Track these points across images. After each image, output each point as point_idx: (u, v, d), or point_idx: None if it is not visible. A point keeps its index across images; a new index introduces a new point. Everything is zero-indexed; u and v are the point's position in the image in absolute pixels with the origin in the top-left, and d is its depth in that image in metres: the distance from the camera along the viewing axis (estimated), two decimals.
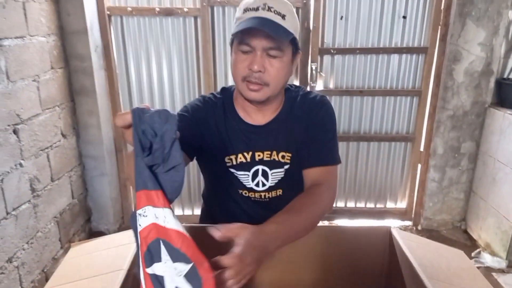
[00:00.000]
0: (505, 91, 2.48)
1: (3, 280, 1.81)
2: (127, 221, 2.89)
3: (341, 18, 2.54)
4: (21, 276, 1.95)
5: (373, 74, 2.65)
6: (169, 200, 0.67)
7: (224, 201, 1.18)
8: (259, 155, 1.10)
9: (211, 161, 1.13)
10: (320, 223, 1.02)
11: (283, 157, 1.11)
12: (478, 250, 2.50)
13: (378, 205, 2.96)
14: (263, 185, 1.12)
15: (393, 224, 2.90)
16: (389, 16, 2.53)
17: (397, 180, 2.88)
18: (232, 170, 1.11)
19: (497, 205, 2.43)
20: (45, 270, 2.17)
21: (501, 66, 2.52)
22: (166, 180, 0.66)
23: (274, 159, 1.10)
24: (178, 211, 2.94)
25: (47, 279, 2.17)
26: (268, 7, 0.98)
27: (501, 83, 2.49)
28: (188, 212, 2.95)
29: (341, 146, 2.73)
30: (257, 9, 0.98)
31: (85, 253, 1.04)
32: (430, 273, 0.86)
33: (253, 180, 1.11)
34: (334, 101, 2.70)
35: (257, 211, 1.14)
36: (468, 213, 2.77)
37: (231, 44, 1.07)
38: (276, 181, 1.12)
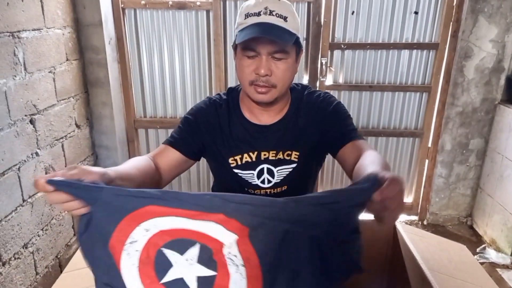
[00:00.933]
0: None
1: (19, 265, 1.88)
2: None
3: (353, 13, 2.55)
4: (36, 261, 2.02)
5: (383, 70, 2.66)
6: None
7: None
8: (264, 155, 1.13)
9: (216, 162, 1.17)
10: None
11: (289, 155, 1.13)
12: (483, 245, 2.52)
13: None
14: (269, 182, 1.15)
15: (400, 221, 2.92)
16: (400, 12, 2.53)
17: (404, 175, 2.90)
18: (237, 171, 1.14)
19: (503, 202, 2.44)
20: (58, 256, 2.24)
21: None
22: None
23: (280, 158, 1.13)
24: None
25: (60, 265, 2.25)
26: (270, 11, 0.99)
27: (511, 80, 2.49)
28: None
29: None
30: (258, 14, 0.99)
31: None
32: (431, 266, 0.90)
33: (258, 177, 1.14)
34: (343, 95, 2.71)
35: None
36: (474, 209, 2.78)
37: (234, 48, 1.09)
38: (281, 177, 1.14)
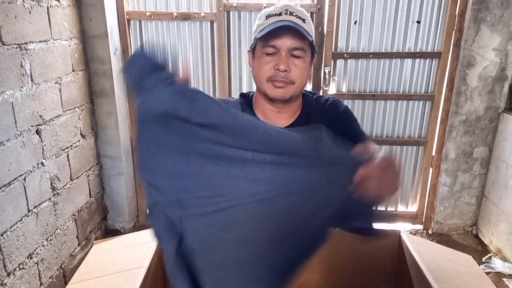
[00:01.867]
0: None
1: (24, 275, 1.89)
2: (142, 220, 2.97)
3: (355, 22, 2.57)
4: (40, 271, 2.02)
5: (386, 78, 2.67)
6: None
7: None
8: None
9: None
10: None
11: None
12: (489, 255, 2.50)
13: (389, 208, 2.97)
14: None
15: (404, 227, 2.91)
16: (403, 21, 2.55)
17: (408, 183, 2.89)
18: None
19: (509, 211, 2.43)
20: (62, 267, 2.25)
21: None
22: None
23: None
24: None
25: (64, 275, 2.25)
26: (290, 12, 1.06)
27: None
28: None
29: None
30: (280, 14, 1.06)
31: (107, 251, 1.10)
32: (437, 276, 0.89)
33: None
34: (346, 104, 2.71)
35: None
36: (479, 218, 2.77)
37: (253, 49, 1.12)
38: None
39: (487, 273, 2.29)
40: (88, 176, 2.52)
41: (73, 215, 2.35)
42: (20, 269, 1.85)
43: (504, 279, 2.28)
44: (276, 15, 1.06)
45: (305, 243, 0.82)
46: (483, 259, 2.46)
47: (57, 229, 2.18)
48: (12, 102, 1.79)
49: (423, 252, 1.03)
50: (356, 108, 2.74)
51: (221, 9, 2.50)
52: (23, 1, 1.86)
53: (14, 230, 1.81)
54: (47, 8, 2.05)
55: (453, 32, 2.52)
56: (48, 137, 2.07)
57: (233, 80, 2.70)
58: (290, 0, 2.52)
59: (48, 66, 2.06)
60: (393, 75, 2.66)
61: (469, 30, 2.43)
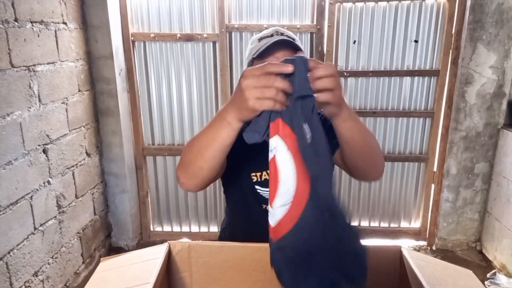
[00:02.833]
0: None
1: None
2: (145, 237, 2.98)
3: (354, 42, 2.63)
4: None
5: (385, 96, 2.72)
6: None
7: (249, 216, 1.23)
8: None
9: (238, 176, 1.18)
10: None
11: None
12: (493, 271, 2.49)
13: (392, 225, 2.97)
14: None
15: (408, 244, 2.91)
16: (401, 40, 2.61)
17: (411, 199, 2.91)
18: (257, 186, 1.17)
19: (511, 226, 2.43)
20: (67, 284, 2.25)
21: None
22: None
23: None
24: (195, 228, 3.01)
25: None
26: (280, 32, 1.14)
27: None
28: (204, 229, 3.02)
29: None
30: (271, 35, 1.13)
31: (114, 267, 1.11)
32: None
33: None
34: None
35: None
36: (483, 233, 2.77)
37: None
38: None
39: None
40: (92, 194, 2.55)
41: (77, 233, 2.37)
42: (26, 287, 1.87)
43: None
44: (268, 37, 1.13)
45: None
46: (488, 275, 2.46)
47: (62, 247, 2.19)
48: (20, 122, 1.84)
49: (424, 267, 1.05)
50: None
51: (223, 30, 2.57)
52: (32, 25, 1.93)
53: (20, 248, 1.83)
54: (55, 31, 2.12)
55: (450, 50, 2.57)
56: (54, 156, 2.11)
57: None
58: (291, 19, 2.59)
59: (55, 87, 2.12)
60: (393, 93, 2.71)
61: (465, 48, 2.48)
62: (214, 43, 2.64)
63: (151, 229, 3.02)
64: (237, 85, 0.81)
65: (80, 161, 2.39)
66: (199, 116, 2.79)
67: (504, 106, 2.55)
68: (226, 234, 1.36)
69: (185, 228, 3.02)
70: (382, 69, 2.66)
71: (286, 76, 0.75)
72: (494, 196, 2.63)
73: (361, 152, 1.01)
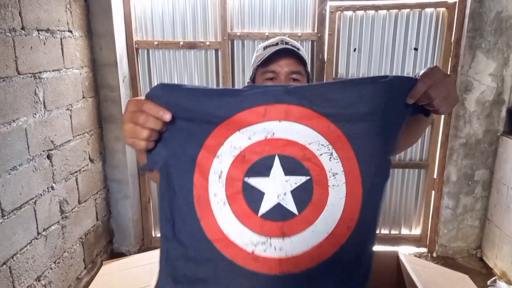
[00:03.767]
0: None
1: None
2: (147, 243, 2.99)
3: (354, 50, 2.66)
4: None
5: None
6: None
7: None
8: None
9: None
10: None
11: None
12: (493, 278, 2.49)
13: (393, 232, 2.98)
14: None
15: (408, 251, 2.91)
16: (400, 48, 2.64)
17: (411, 206, 2.92)
18: None
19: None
20: None
21: None
22: None
23: None
24: None
25: None
26: (285, 42, 1.18)
27: None
28: None
29: None
30: (276, 44, 1.17)
31: (116, 270, 1.14)
32: None
33: None
34: None
35: None
36: (483, 240, 2.77)
37: (253, 79, 1.21)
38: None
39: None
40: (95, 199, 2.58)
41: (80, 238, 2.39)
42: None
43: None
44: (272, 45, 1.17)
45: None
46: (488, 282, 2.46)
47: (64, 252, 2.22)
48: (25, 128, 1.87)
49: (420, 271, 1.06)
50: None
51: (225, 38, 2.61)
52: (39, 33, 1.97)
53: (24, 252, 1.85)
54: (61, 39, 2.16)
55: (450, 58, 2.60)
56: (58, 161, 2.14)
57: None
58: (292, 28, 2.63)
59: (60, 93, 2.15)
60: None
61: (465, 56, 2.51)
62: (216, 50, 2.68)
63: (153, 235, 3.03)
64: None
65: (83, 167, 2.42)
66: None
67: (503, 113, 2.57)
68: None
69: None
70: None
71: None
72: (494, 203, 2.64)
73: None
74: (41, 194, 2.00)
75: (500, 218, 2.56)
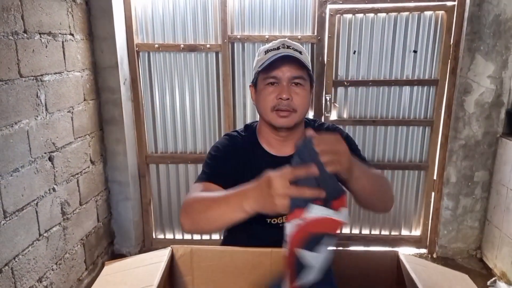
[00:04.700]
0: None
1: None
2: (148, 245, 3.00)
3: (354, 52, 2.68)
4: None
5: (385, 105, 2.76)
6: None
7: (252, 230, 1.23)
8: None
9: None
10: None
11: None
12: (493, 278, 2.50)
13: (393, 233, 2.99)
14: None
15: (408, 252, 2.92)
16: (400, 51, 2.66)
17: (411, 207, 2.93)
18: None
19: (511, 234, 2.45)
20: None
21: (511, 97, 2.59)
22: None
23: None
24: (197, 236, 3.04)
25: None
26: (287, 46, 1.15)
27: None
28: (206, 237, 3.04)
29: None
30: (278, 48, 1.15)
31: (118, 271, 1.15)
32: None
33: None
34: (347, 130, 2.79)
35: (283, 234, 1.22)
36: (483, 241, 2.78)
37: (255, 83, 1.20)
38: None
39: None
40: (96, 201, 2.59)
41: (81, 239, 2.40)
42: None
43: None
44: (274, 49, 1.15)
45: None
46: (488, 282, 2.46)
47: (66, 253, 2.22)
48: (27, 131, 1.88)
49: (420, 271, 1.07)
50: (357, 134, 2.81)
51: (226, 40, 2.63)
52: (41, 36, 1.99)
53: (25, 254, 1.86)
54: (62, 42, 2.18)
55: (449, 60, 2.62)
56: (59, 163, 2.16)
57: (237, 107, 2.80)
58: (292, 30, 2.65)
59: (61, 96, 2.17)
60: (393, 102, 2.75)
61: (464, 59, 2.53)
62: (217, 53, 2.70)
63: (154, 237, 3.04)
64: (260, 180, 0.84)
65: (84, 169, 2.43)
66: (201, 125, 2.84)
67: (502, 115, 2.58)
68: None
69: (187, 236, 3.04)
70: (382, 78, 2.71)
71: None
72: (493, 204, 2.65)
73: (372, 198, 1.07)
74: (42, 196, 2.01)
75: (500, 219, 2.57)
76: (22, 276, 1.83)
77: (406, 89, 2.72)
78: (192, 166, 2.89)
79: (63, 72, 2.19)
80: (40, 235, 1.99)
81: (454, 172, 2.71)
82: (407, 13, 2.60)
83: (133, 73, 2.70)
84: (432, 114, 2.75)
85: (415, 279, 1.03)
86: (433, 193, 2.85)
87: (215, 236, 2.99)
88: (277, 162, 1.19)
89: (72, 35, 2.28)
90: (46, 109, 2.04)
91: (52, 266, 2.09)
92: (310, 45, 2.67)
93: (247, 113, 2.81)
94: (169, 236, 3.05)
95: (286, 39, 1.21)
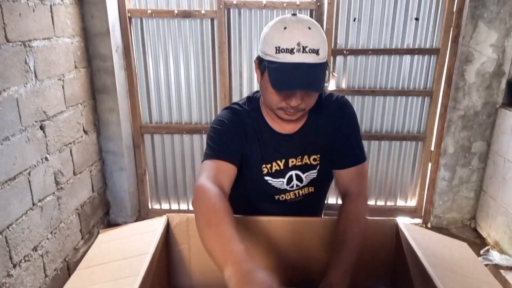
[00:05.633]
0: None
1: (29, 267, 1.92)
2: (143, 215, 3.00)
3: (354, 20, 2.60)
4: (45, 264, 2.06)
5: (385, 75, 2.70)
6: None
7: (259, 204, 1.22)
8: (292, 161, 1.15)
9: (250, 168, 1.14)
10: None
11: (314, 159, 1.16)
12: (486, 248, 2.53)
13: (389, 203, 3.00)
14: (297, 186, 1.17)
15: (403, 221, 2.94)
16: (401, 18, 2.58)
17: (408, 178, 2.93)
18: (268, 177, 1.15)
19: (507, 204, 2.46)
20: (67, 259, 2.28)
21: None
22: None
23: (306, 162, 1.15)
24: (174, 206, 3.05)
25: (68, 268, 2.29)
26: (303, 47, 0.93)
27: None
28: (183, 206, 3.05)
29: None
30: (292, 51, 0.93)
31: (113, 239, 1.13)
32: (433, 262, 0.92)
33: (288, 184, 1.16)
34: None
35: (290, 209, 1.19)
36: (478, 211, 2.80)
37: (258, 63, 1.04)
38: (309, 180, 1.18)
39: (485, 266, 2.33)
40: (90, 171, 2.56)
41: (76, 209, 2.38)
42: (25, 261, 1.89)
43: (501, 271, 2.31)
44: (287, 51, 0.93)
45: None
46: (481, 252, 2.50)
47: (61, 222, 2.21)
48: (16, 98, 1.82)
49: (419, 239, 1.06)
50: (355, 104, 2.77)
51: (221, 6, 2.53)
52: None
53: (19, 223, 1.84)
54: (50, 6, 2.08)
55: (451, 28, 2.55)
56: (51, 132, 2.11)
57: (233, 76, 2.73)
58: None
59: (51, 63, 2.09)
60: (392, 71, 2.69)
61: (466, 26, 2.46)
62: (212, 19, 2.60)
63: (149, 207, 3.04)
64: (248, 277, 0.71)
65: (77, 138, 2.38)
66: (197, 94, 2.78)
67: (503, 85, 2.54)
68: None
69: (183, 206, 3.04)
70: (382, 47, 2.64)
71: None
72: (490, 175, 2.66)
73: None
74: (35, 165, 1.97)
75: (496, 189, 2.58)
76: (16, 245, 1.82)
77: (407, 58, 2.66)
78: (187, 137, 2.85)
79: (52, 38, 2.10)
80: (33, 204, 1.96)
81: (451, 143, 2.69)
82: None
83: (125, 40, 2.61)
84: (432, 84, 2.70)
85: (414, 247, 1.02)
86: (430, 164, 2.85)
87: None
88: (284, 139, 1.15)
89: None
90: (36, 76, 1.97)
91: (47, 235, 2.08)
92: (309, 11, 2.58)
93: (243, 82, 2.74)
94: (165, 206, 3.05)
95: (301, 37, 0.94)
